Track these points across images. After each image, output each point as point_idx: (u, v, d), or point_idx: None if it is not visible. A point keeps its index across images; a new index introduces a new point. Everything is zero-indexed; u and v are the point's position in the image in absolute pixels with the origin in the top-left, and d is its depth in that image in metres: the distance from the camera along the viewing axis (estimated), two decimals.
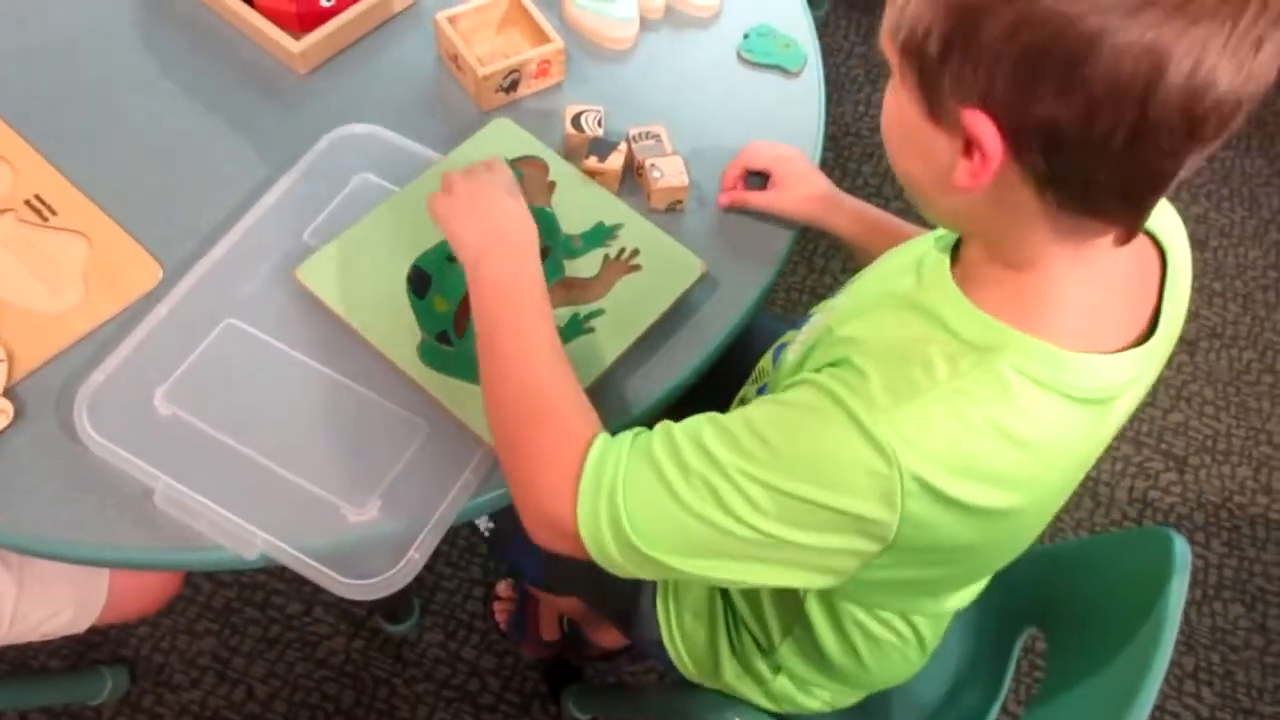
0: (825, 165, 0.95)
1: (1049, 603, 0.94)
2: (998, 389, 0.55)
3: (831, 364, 0.60)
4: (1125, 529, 1.57)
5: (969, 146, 0.51)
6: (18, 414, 0.76)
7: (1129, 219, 0.53)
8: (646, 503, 0.60)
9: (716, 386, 0.94)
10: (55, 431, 0.75)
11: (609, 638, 1.31)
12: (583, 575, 0.71)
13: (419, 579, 1.29)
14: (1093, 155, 0.48)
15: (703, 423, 0.61)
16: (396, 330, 0.79)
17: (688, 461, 0.59)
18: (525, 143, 0.90)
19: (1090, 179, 0.50)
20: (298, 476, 0.74)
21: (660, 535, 0.60)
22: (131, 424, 0.75)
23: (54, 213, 0.86)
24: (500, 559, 1.41)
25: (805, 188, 0.90)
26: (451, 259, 0.83)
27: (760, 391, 0.79)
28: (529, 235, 0.76)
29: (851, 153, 1.95)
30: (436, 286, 0.81)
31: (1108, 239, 0.55)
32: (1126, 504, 1.61)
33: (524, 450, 0.66)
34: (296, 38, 0.95)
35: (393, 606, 1.33)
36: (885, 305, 0.63)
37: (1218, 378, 1.76)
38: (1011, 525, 0.62)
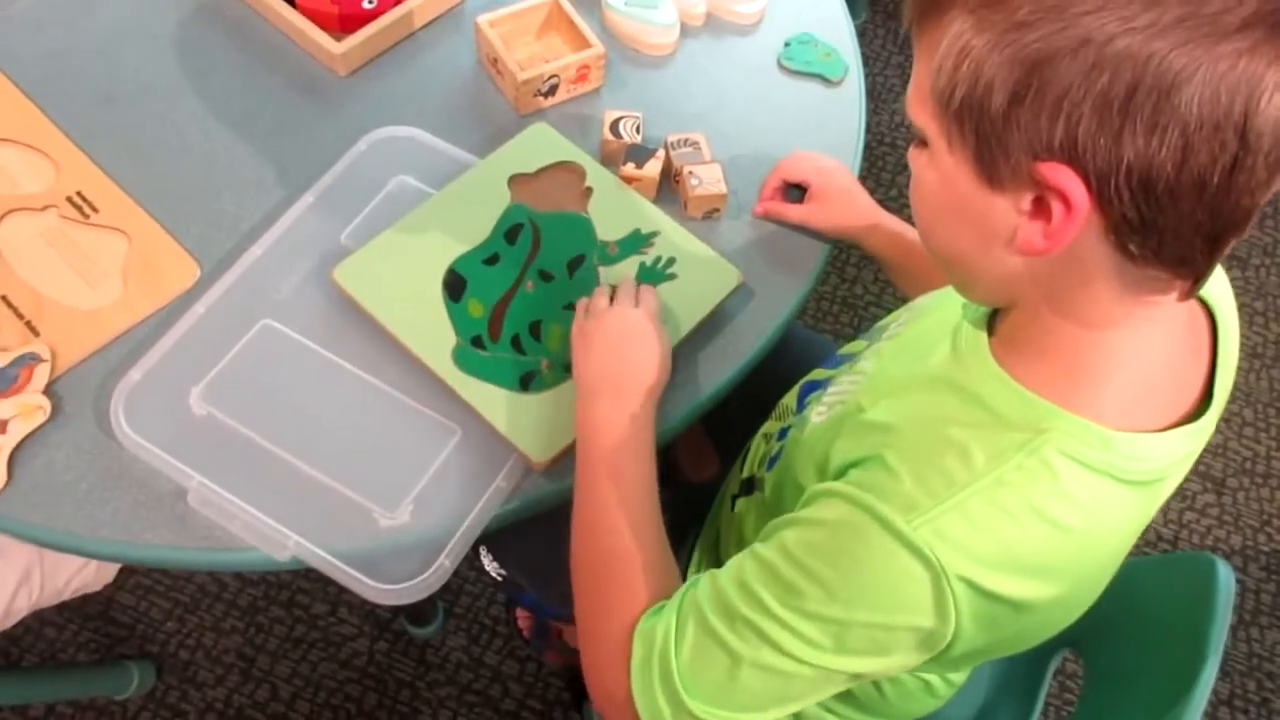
0: (860, 175, 0.94)
1: (1085, 624, 0.91)
2: (1043, 474, 0.52)
3: (859, 463, 0.58)
4: (1162, 552, 1.54)
5: (1039, 205, 0.48)
6: (55, 410, 0.76)
7: (1201, 266, 0.50)
8: (698, 661, 0.58)
9: (749, 396, 0.94)
10: (91, 428, 0.76)
11: None
12: None
13: (443, 586, 1.29)
14: (1188, 194, 0.45)
15: (744, 561, 0.59)
16: (432, 334, 0.79)
17: (734, 608, 0.57)
18: (562, 148, 0.90)
19: (1180, 222, 0.46)
20: (330, 479, 0.74)
21: (717, 694, 0.58)
22: (167, 423, 0.75)
23: (95, 210, 0.87)
24: (512, 600, 1.40)
25: (843, 205, 0.89)
26: (489, 262, 0.82)
27: (783, 434, 0.77)
28: (657, 380, 0.74)
29: (885, 163, 1.93)
30: (472, 290, 0.81)
31: (1170, 295, 0.51)
32: (1161, 525, 1.58)
33: (590, 599, 0.67)
34: (338, 39, 0.95)
35: (418, 609, 1.33)
36: (918, 385, 0.60)
37: (1258, 399, 1.73)
38: (1056, 611, 0.59)
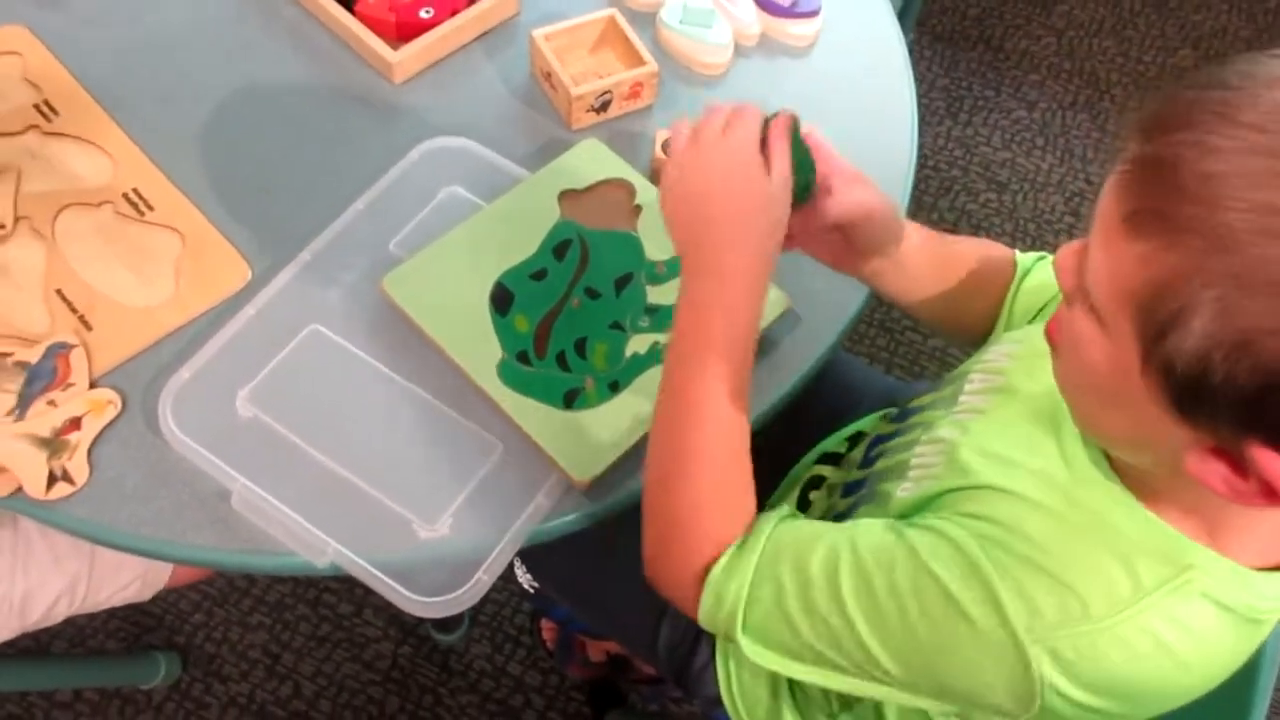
0: (908, 200, 0.93)
1: None
2: (1182, 613, 0.50)
3: (979, 516, 0.55)
4: None
5: (1228, 456, 0.45)
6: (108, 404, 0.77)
7: None
8: (766, 627, 0.59)
9: (791, 421, 0.93)
10: (139, 425, 0.77)
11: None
12: (635, 635, 0.70)
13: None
14: None
15: (842, 556, 0.56)
16: (478, 346, 0.79)
17: (817, 605, 0.56)
18: (613, 164, 0.90)
19: None
20: (372, 488, 0.74)
21: (774, 652, 0.59)
22: (213, 424, 0.75)
23: (150, 208, 0.88)
24: (540, 611, 1.39)
25: (859, 183, 0.73)
26: (536, 277, 0.82)
27: (850, 490, 0.75)
28: (773, 241, 0.64)
29: (928, 185, 1.92)
30: (519, 305, 0.81)
31: None
32: None
33: (670, 511, 0.64)
34: (394, 47, 0.96)
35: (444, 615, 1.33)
36: (1028, 485, 0.56)
37: None
38: (1138, 715, 0.57)
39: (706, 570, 0.61)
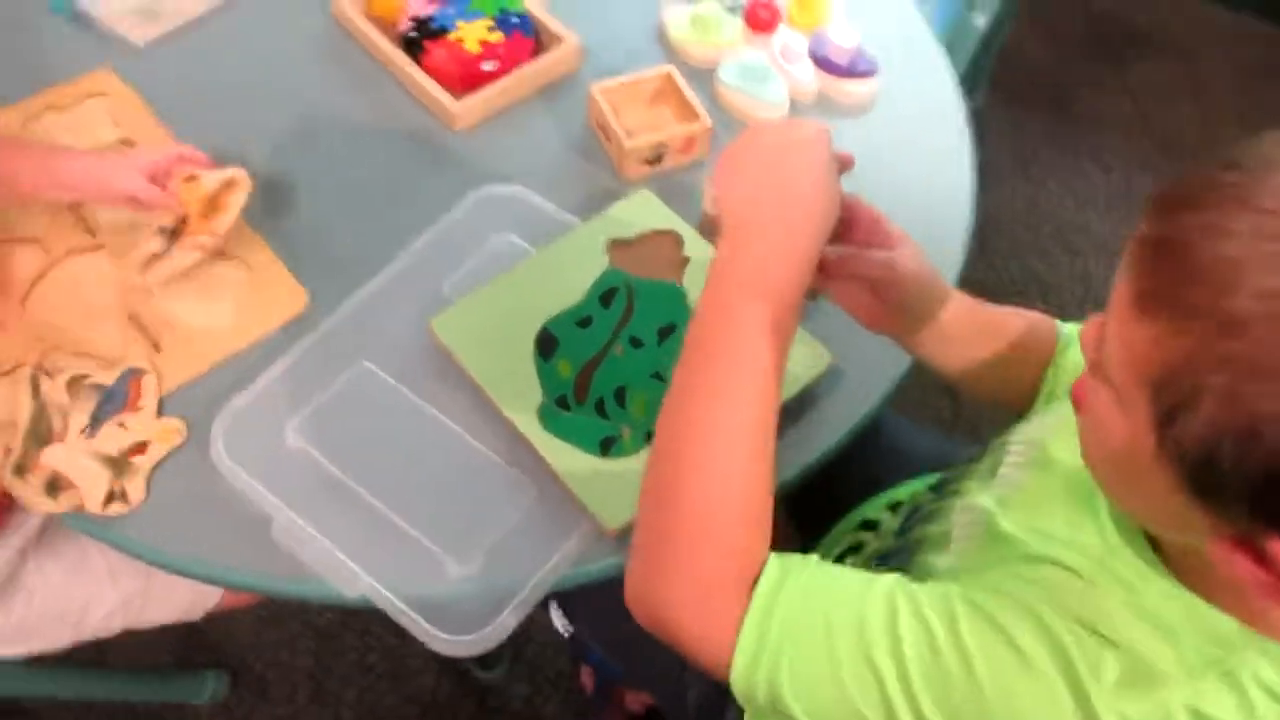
0: (967, 259, 0.93)
1: None
2: (1231, 699, 0.48)
3: (1032, 581, 0.54)
4: None
5: (1249, 547, 0.44)
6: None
7: None
8: (808, 676, 0.52)
9: (831, 484, 0.92)
10: (192, 451, 0.80)
11: None
12: (663, 687, 0.67)
13: (515, 632, 1.30)
14: None
15: (900, 606, 0.52)
16: (519, 390, 0.80)
17: (870, 651, 0.51)
18: (663, 216, 0.91)
19: None
20: (406, 523, 0.76)
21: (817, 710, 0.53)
22: (261, 453, 0.78)
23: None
24: (579, 656, 1.39)
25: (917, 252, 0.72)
26: (581, 324, 0.84)
27: (884, 560, 0.72)
28: (821, 228, 0.59)
29: (996, 246, 1.90)
30: (563, 350, 0.83)
31: None
32: None
33: (674, 543, 0.57)
34: (456, 97, 1.00)
35: (485, 652, 1.34)
36: (1072, 555, 0.55)
37: None
38: None
39: (744, 603, 0.54)
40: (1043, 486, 0.62)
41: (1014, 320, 0.78)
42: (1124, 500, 0.52)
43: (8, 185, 0.86)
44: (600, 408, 0.80)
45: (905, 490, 0.90)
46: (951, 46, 1.67)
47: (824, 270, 0.67)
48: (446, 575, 0.74)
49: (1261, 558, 0.43)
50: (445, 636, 0.71)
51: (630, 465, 0.77)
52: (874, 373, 0.87)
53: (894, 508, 0.87)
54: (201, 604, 1.07)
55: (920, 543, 0.69)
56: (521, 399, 0.80)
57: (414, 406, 0.82)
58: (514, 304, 0.85)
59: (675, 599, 0.56)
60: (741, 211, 0.60)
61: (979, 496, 0.66)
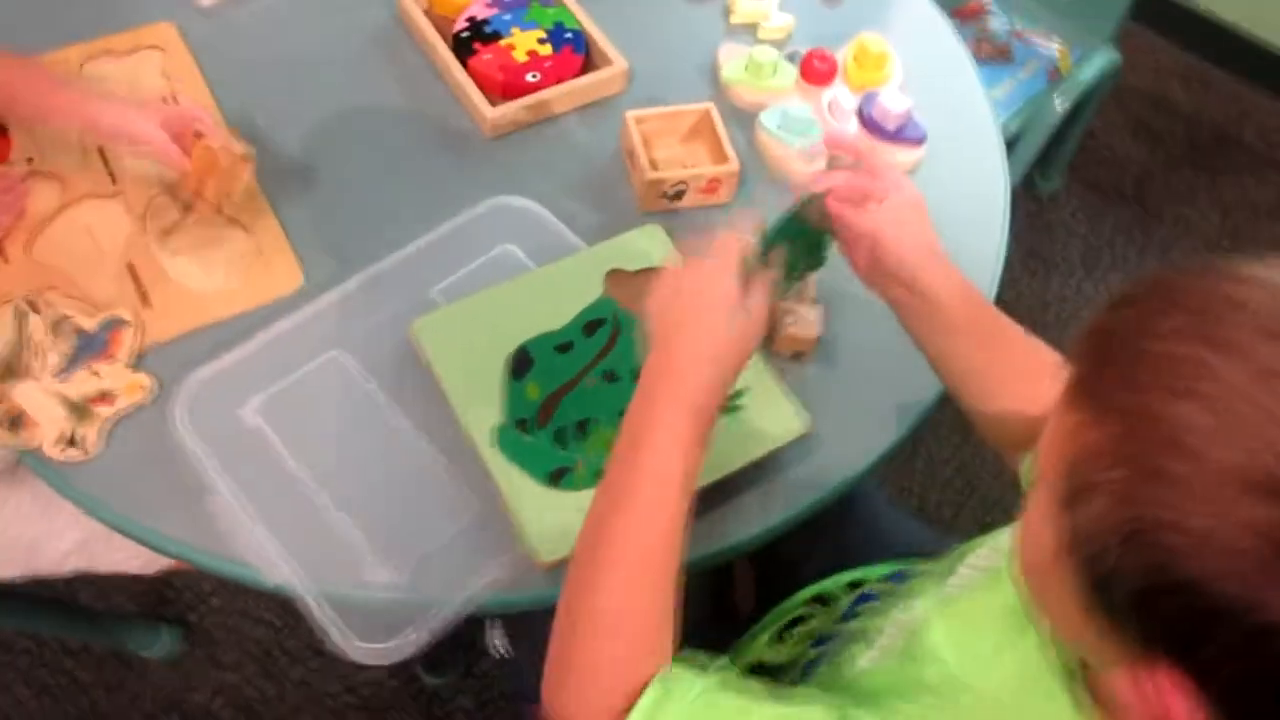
0: None
1: None
2: None
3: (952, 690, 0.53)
4: None
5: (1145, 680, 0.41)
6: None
7: None
8: None
9: (796, 554, 0.89)
10: (153, 408, 0.80)
11: None
12: None
13: (470, 642, 1.28)
14: None
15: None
16: (481, 406, 0.79)
17: None
18: (668, 253, 0.89)
19: None
20: (345, 520, 0.75)
21: None
22: (218, 424, 0.78)
23: (234, 204, 0.92)
24: (509, 684, 1.35)
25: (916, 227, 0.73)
26: (560, 349, 0.82)
27: (820, 642, 0.71)
28: (733, 365, 0.64)
29: (1052, 337, 1.82)
30: (536, 373, 0.81)
31: None
32: None
33: (581, 641, 0.59)
34: (494, 104, 0.99)
35: (436, 657, 1.33)
36: (990, 680, 0.54)
37: None
38: None
39: (628, 708, 0.55)
40: (986, 601, 0.60)
41: (1023, 341, 0.73)
42: (1042, 613, 0.49)
43: (43, 115, 0.90)
44: (560, 437, 0.78)
45: (871, 572, 0.86)
46: (1028, 124, 1.63)
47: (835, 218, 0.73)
48: (373, 580, 0.73)
49: (1149, 688, 0.40)
50: (355, 642, 0.70)
51: (577, 500, 0.75)
52: (854, 447, 0.84)
53: (854, 586, 0.84)
54: (157, 561, 1.07)
55: (855, 634, 0.66)
56: (481, 416, 0.78)
57: (377, 405, 0.81)
58: (498, 318, 0.83)
59: (565, 703, 0.58)
60: (662, 333, 0.65)
61: (923, 599, 0.64)
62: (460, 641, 1.34)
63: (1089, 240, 1.98)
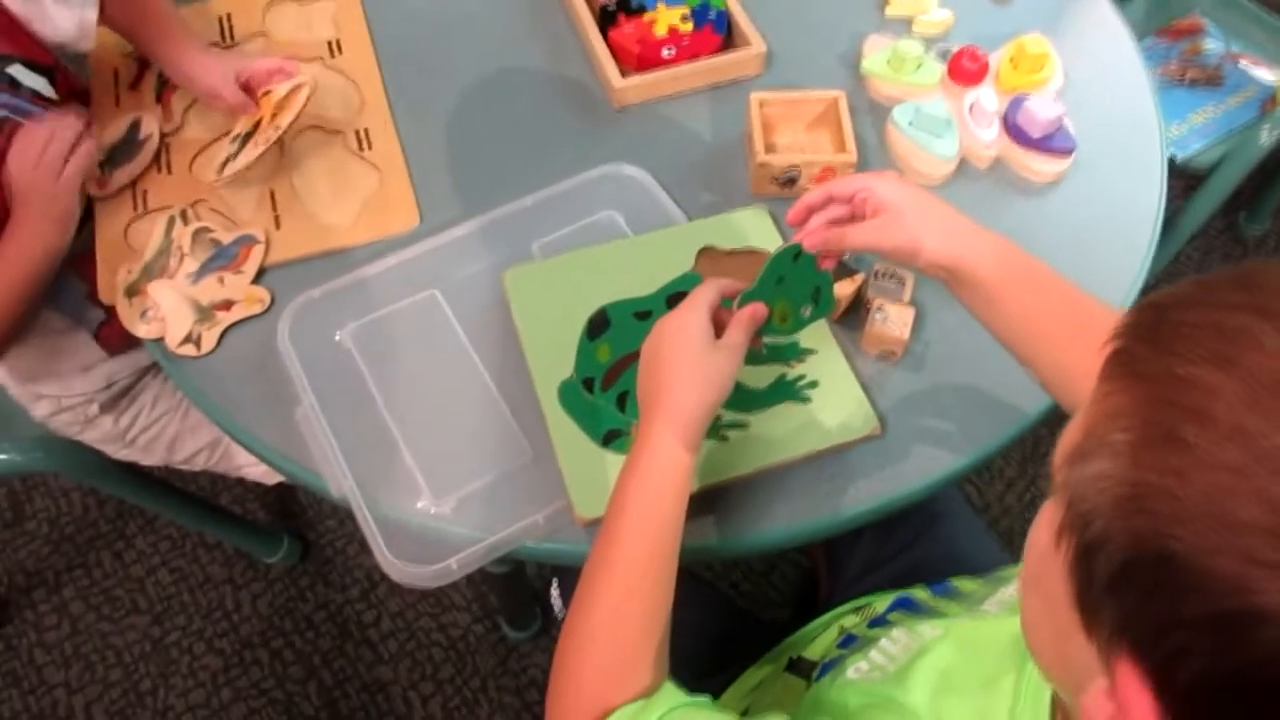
0: None
1: None
2: None
3: None
4: None
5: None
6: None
7: None
8: None
9: (874, 551, 0.85)
10: (266, 319, 0.87)
11: None
12: None
13: (549, 604, 1.30)
14: None
15: None
16: (553, 360, 0.80)
17: None
18: (767, 237, 0.88)
19: None
20: (407, 449, 0.78)
21: None
22: (314, 343, 0.84)
23: (370, 147, 0.99)
24: None
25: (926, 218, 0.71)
26: (639, 316, 0.83)
27: (846, 643, 0.69)
28: (702, 410, 0.66)
29: None
30: (610, 335, 0.82)
31: None
32: None
33: (574, 655, 0.62)
34: (626, 75, 1.01)
35: (517, 612, 1.36)
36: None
37: None
38: None
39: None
40: (993, 631, 0.58)
41: (1075, 291, 0.70)
42: (1030, 636, 0.45)
43: (170, 69, 1.00)
44: (621, 401, 0.79)
45: (918, 592, 0.82)
46: (1229, 157, 1.48)
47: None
48: (421, 508, 0.76)
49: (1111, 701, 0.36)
50: (395, 560, 0.73)
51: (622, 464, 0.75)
52: (929, 460, 0.79)
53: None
54: (275, 475, 1.16)
55: (865, 640, 0.64)
56: (552, 370, 0.80)
57: (459, 345, 0.84)
58: (586, 278, 0.85)
59: (555, 708, 0.61)
60: (649, 389, 0.69)
61: (931, 628, 0.62)
62: (542, 602, 1.38)
63: None
